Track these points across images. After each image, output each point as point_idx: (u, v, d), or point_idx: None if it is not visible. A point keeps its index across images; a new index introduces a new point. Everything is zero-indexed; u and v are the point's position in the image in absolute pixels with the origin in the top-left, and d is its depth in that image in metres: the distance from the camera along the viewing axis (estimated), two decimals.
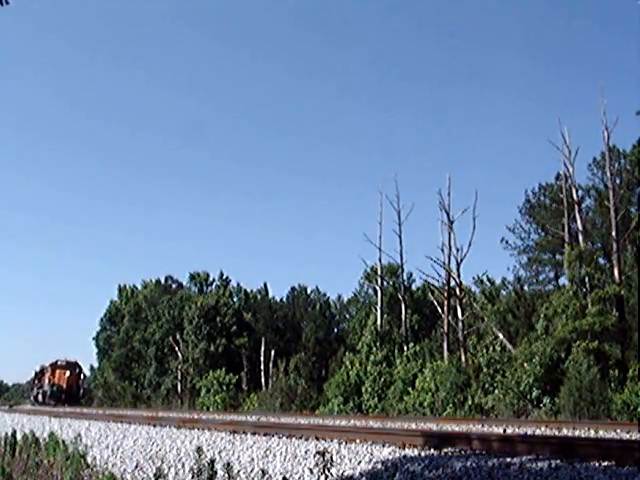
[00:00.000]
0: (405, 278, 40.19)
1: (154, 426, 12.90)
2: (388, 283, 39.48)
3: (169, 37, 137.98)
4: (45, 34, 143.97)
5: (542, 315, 23.37)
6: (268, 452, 7.65)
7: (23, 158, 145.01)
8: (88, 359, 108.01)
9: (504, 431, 10.91)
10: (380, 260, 35.35)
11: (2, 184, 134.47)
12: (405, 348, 30.03)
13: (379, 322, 32.71)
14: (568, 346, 20.88)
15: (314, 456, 5.88)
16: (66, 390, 47.71)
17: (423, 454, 6.25)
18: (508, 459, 5.46)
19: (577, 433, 10.63)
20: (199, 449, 6.84)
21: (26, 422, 19.71)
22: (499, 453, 5.93)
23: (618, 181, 28.55)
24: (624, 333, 22.61)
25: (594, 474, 4.66)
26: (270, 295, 58.30)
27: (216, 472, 6.42)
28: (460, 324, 27.92)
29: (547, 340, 21.48)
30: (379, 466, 5.98)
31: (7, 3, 5.48)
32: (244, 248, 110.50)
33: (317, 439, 8.18)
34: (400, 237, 33.14)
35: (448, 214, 29.63)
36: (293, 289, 58.57)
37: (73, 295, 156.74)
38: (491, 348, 24.01)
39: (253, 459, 7.56)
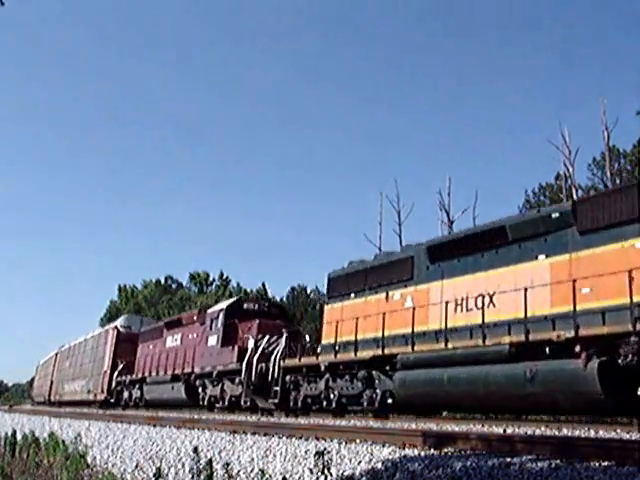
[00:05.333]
0: None
1: (154, 426, 12.90)
2: None
3: (174, 33, 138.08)
4: (48, 31, 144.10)
5: None
6: (268, 452, 7.64)
7: (23, 157, 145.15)
8: None
9: (504, 431, 10.88)
10: None
11: (2, 184, 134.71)
12: None
13: None
14: None
15: (314, 456, 5.88)
16: None
17: (423, 454, 6.24)
18: (508, 459, 5.45)
19: (577, 433, 10.61)
20: (196, 449, 6.84)
21: (26, 422, 19.70)
22: (499, 453, 5.92)
23: (618, 181, 28.54)
24: None
25: (594, 474, 4.66)
26: (269, 295, 58.28)
27: (215, 472, 6.42)
28: None
29: None
30: (379, 466, 5.98)
31: (2, 4, 5.54)
32: (244, 248, 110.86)
33: (317, 439, 8.18)
34: (400, 237, 33.12)
35: (448, 214, 29.67)
36: (293, 289, 58.51)
37: (73, 295, 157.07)
38: None
39: (253, 459, 7.55)
